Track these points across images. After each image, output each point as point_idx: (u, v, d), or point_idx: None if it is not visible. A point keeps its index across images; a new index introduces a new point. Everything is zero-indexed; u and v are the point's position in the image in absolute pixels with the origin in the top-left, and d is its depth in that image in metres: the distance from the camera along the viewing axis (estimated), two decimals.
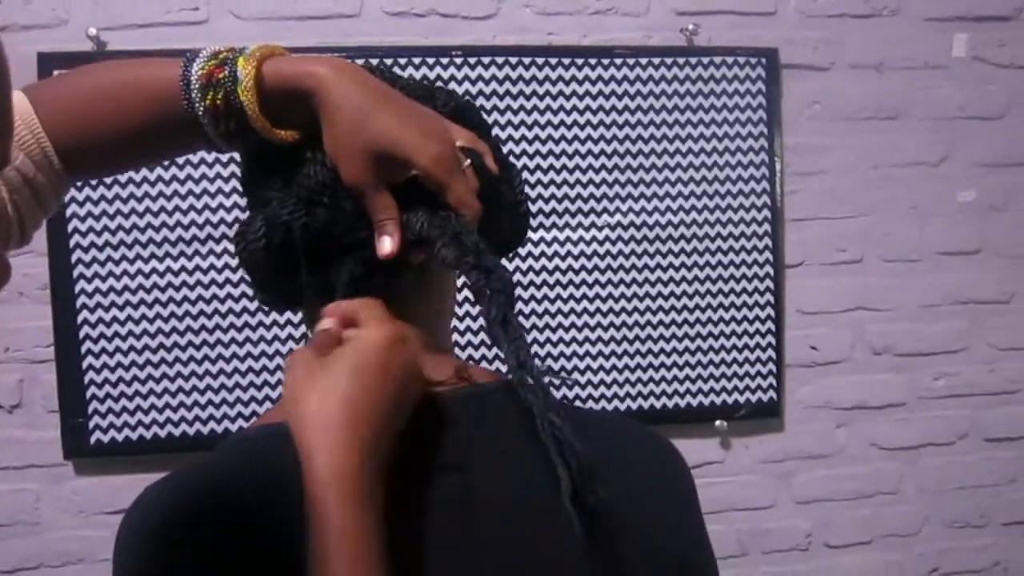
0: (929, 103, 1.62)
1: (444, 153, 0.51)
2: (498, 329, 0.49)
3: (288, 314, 1.43)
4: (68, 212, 1.38)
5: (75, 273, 1.39)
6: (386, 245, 0.52)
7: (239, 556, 0.47)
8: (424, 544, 0.48)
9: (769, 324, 1.56)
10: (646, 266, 1.52)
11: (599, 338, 1.52)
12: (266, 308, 1.42)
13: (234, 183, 1.41)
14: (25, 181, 0.53)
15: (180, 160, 1.40)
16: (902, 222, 1.62)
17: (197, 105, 0.51)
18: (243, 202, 1.41)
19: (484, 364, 1.47)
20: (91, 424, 1.40)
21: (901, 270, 1.63)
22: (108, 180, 1.39)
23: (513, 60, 1.47)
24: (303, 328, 1.44)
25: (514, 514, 0.51)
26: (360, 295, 0.53)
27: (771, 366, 1.57)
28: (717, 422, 1.56)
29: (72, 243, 1.39)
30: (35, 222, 0.57)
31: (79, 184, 1.38)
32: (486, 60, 1.47)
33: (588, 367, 1.52)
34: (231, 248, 1.41)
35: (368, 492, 0.44)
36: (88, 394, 1.40)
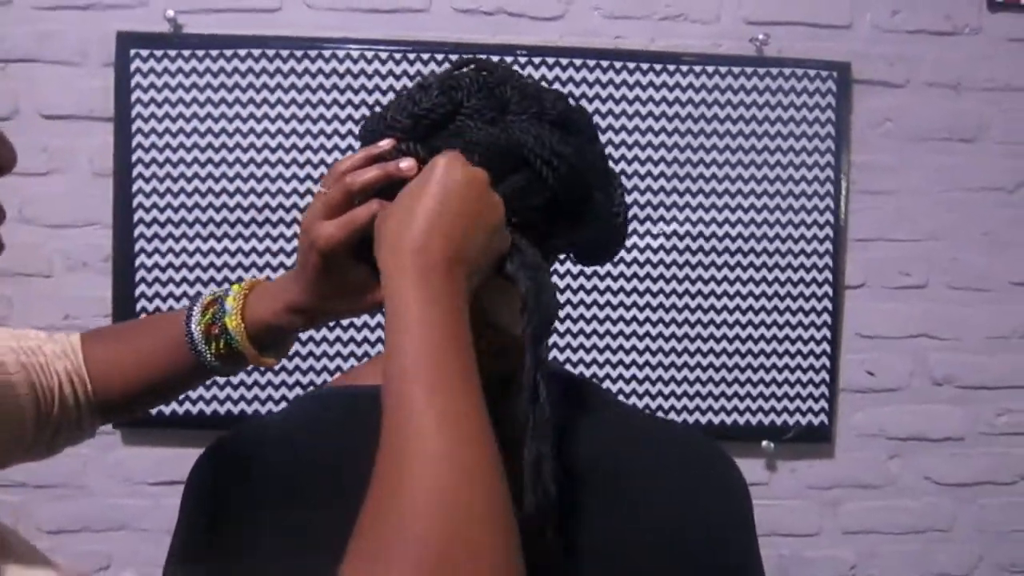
0: (1008, 126, 1.55)
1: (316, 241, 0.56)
2: (530, 344, 0.48)
3: None
4: (135, 187, 1.42)
5: (136, 247, 1.42)
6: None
7: (284, 509, 0.48)
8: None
9: (825, 345, 1.52)
10: (700, 278, 1.49)
11: (647, 348, 1.49)
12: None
13: (295, 169, 1.43)
14: (65, 412, 0.63)
15: (244, 143, 1.43)
16: (972, 249, 1.56)
17: (205, 355, 0.62)
18: (302, 187, 1.43)
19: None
20: None
21: (968, 299, 1.56)
22: (174, 159, 1.42)
23: (578, 62, 1.46)
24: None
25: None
26: None
27: (824, 389, 1.52)
28: (764, 442, 1.52)
29: (136, 218, 1.42)
30: (60, 447, 0.66)
31: (146, 160, 1.42)
32: (551, 61, 1.46)
33: (634, 377, 1.49)
34: (287, 232, 1.43)
35: (454, 296, 0.43)
36: None
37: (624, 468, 0.52)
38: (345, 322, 1.46)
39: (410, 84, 1.43)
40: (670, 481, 0.53)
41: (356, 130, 1.44)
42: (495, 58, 1.50)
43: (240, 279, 1.43)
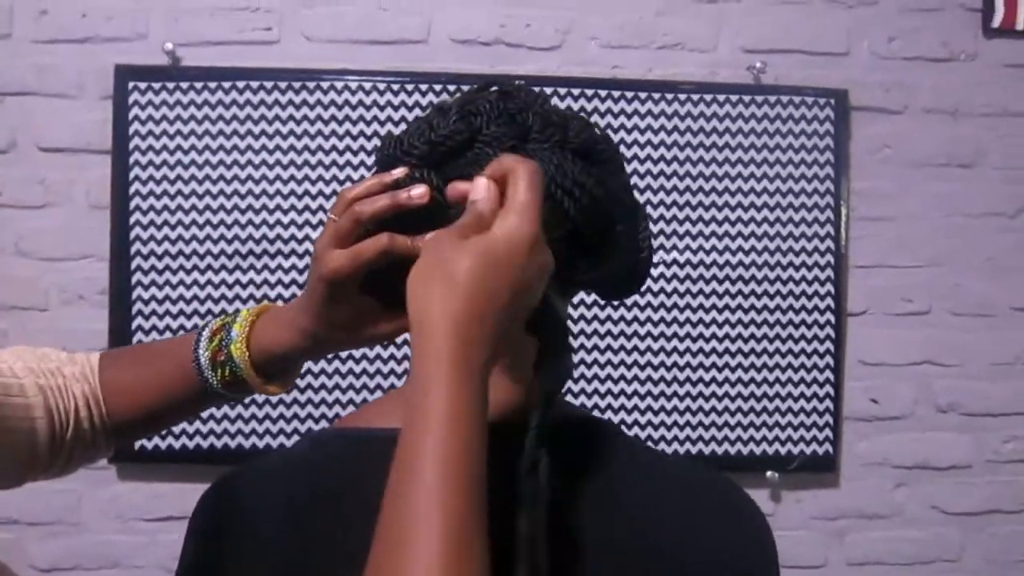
0: (1007, 152, 1.55)
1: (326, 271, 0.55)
2: (540, 404, 0.47)
3: None
4: (132, 220, 1.41)
5: (133, 280, 1.42)
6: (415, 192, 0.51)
7: (286, 555, 0.47)
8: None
9: (828, 373, 1.50)
10: (701, 306, 1.48)
11: (649, 378, 1.48)
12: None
13: (293, 201, 1.43)
14: (79, 434, 0.63)
15: (242, 175, 1.42)
16: (974, 275, 1.55)
17: (212, 382, 0.61)
18: (300, 219, 1.43)
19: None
20: None
21: (972, 325, 1.55)
22: (172, 191, 1.42)
23: (576, 92, 1.47)
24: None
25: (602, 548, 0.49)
26: None
27: (828, 418, 1.50)
28: (768, 473, 1.50)
29: (133, 251, 1.41)
30: (74, 467, 0.65)
31: (144, 193, 1.41)
32: (549, 91, 1.46)
33: (636, 407, 1.47)
34: (284, 264, 1.42)
35: (480, 381, 0.42)
36: None
37: (647, 527, 0.51)
38: (344, 354, 1.44)
39: (408, 115, 1.44)
40: (682, 517, 0.52)
41: (355, 161, 1.44)
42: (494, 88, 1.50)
43: (237, 311, 1.41)
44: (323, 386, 1.44)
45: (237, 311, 0.62)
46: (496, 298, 0.43)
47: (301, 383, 1.43)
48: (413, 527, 0.37)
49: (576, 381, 1.47)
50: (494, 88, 0.54)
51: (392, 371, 1.45)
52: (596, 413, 1.46)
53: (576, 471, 0.52)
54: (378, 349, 1.44)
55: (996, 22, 1.53)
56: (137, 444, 1.41)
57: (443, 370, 0.40)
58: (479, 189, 0.46)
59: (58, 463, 0.63)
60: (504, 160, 0.47)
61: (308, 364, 1.43)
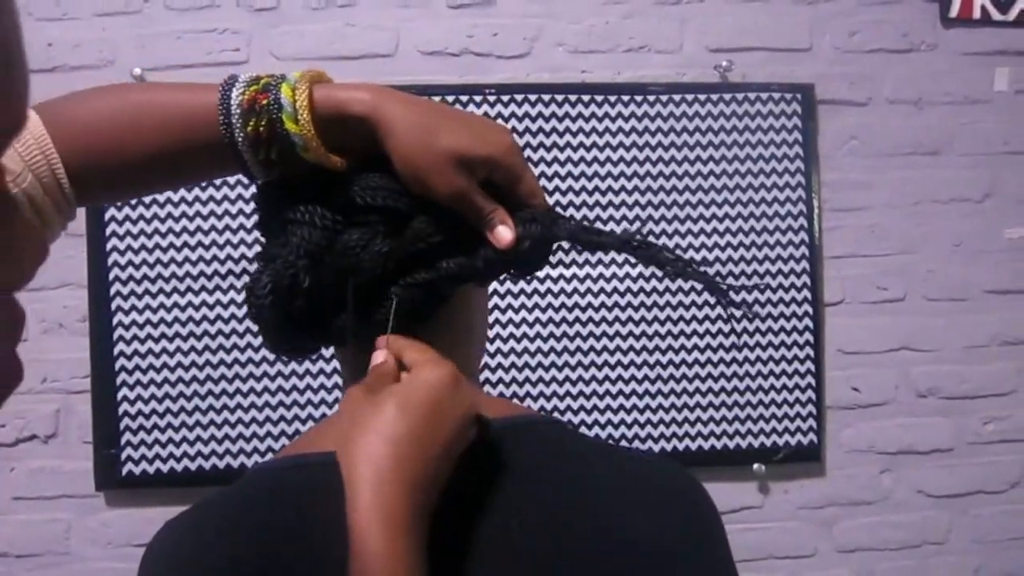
0: (971, 138, 1.58)
1: (514, 144, 0.53)
2: (581, 239, 0.54)
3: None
4: (108, 246, 1.41)
5: (113, 306, 1.41)
6: (506, 234, 0.52)
7: None
8: None
9: (808, 364, 1.52)
10: (680, 303, 1.50)
11: (632, 376, 1.49)
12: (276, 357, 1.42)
13: None
14: (31, 203, 0.50)
15: (218, 196, 1.43)
16: (946, 260, 1.58)
17: (238, 132, 0.50)
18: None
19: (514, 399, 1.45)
20: (123, 456, 1.41)
21: (946, 309, 1.58)
22: (148, 215, 1.42)
23: (546, 98, 1.48)
24: (334, 363, 1.44)
25: (547, 551, 0.49)
26: (394, 330, 0.52)
27: (811, 408, 1.52)
28: (755, 465, 1.51)
29: (111, 276, 1.41)
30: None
31: (119, 218, 1.41)
32: (519, 98, 1.48)
33: (621, 406, 1.49)
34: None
35: (411, 531, 0.42)
36: (121, 426, 1.41)
37: (596, 522, 0.52)
38: (328, 368, 1.45)
39: None
40: (647, 510, 0.52)
41: None
42: (464, 98, 1.51)
43: (220, 332, 1.42)
44: (309, 401, 1.44)
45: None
46: (422, 440, 0.44)
47: (287, 399, 1.43)
48: None
49: (561, 383, 1.48)
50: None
51: None
52: (580, 411, 1.47)
53: (524, 471, 0.52)
54: None
55: (953, 12, 1.56)
56: (124, 470, 1.40)
57: (368, 527, 0.41)
58: (378, 356, 0.50)
59: None
60: (394, 341, 0.51)
61: (294, 379, 1.44)
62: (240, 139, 0.50)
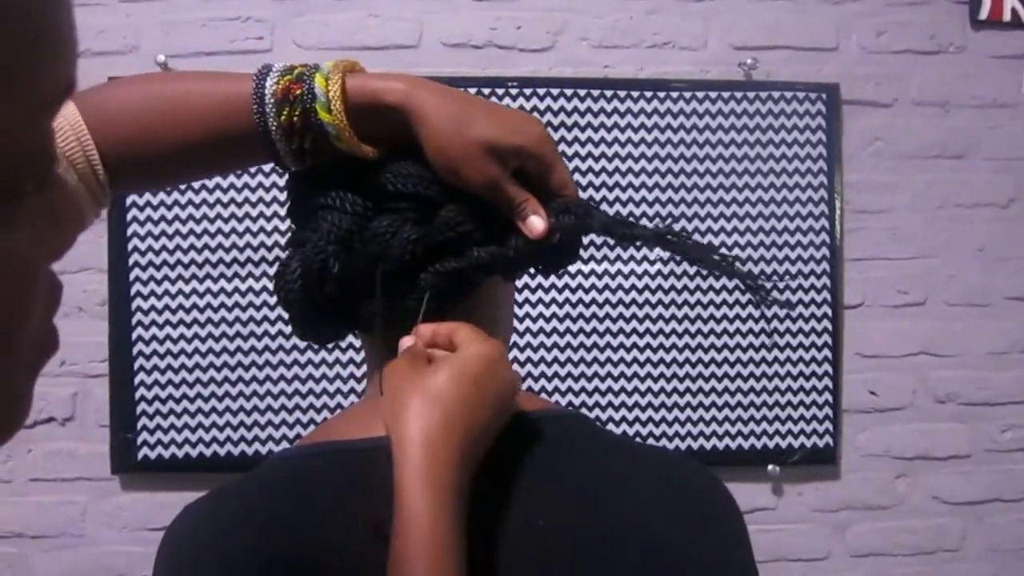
0: (997, 142, 1.56)
1: (546, 135, 0.53)
2: (614, 231, 0.53)
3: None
4: (129, 232, 1.42)
5: (133, 291, 1.42)
6: (538, 224, 0.52)
7: None
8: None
9: (826, 367, 1.51)
10: (699, 302, 1.49)
11: (648, 374, 1.48)
12: (304, 344, 1.43)
13: None
14: (62, 191, 0.49)
15: (239, 183, 1.43)
16: (968, 265, 1.56)
17: (271, 121, 0.50)
18: None
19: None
20: (139, 440, 1.42)
21: (967, 315, 1.56)
22: (168, 201, 1.42)
23: (569, 92, 1.47)
24: (351, 353, 1.45)
25: (568, 545, 0.49)
26: (420, 319, 0.53)
27: (828, 410, 1.51)
28: (770, 467, 1.50)
29: (131, 261, 1.42)
30: (68, 234, 0.55)
31: (140, 204, 1.42)
32: (541, 92, 1.47)
33: (636, 404, 1.48)
34: None
35: (457, 494, 0.44)
36: (138, 410, 1.42)
37: (620, 520, 0.51)
38: (344, 358, 1.45)
39: None
40: (668, 507, 0.52)
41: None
42: (486, 90, 1.51)
43: (238, 319, 1.42)
44: (324, 391, 1.44)
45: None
46: (471, 410, 0.46)
47: (302, 388, 1.44)
48: None
49: (577, 379, 1.47)
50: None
51: None
52: (596, 408, 1.47)
53: (549, 464, 0.52)
54: None
55: (983, 14, 1.54)
56: (140, 454, 1.41)
57: (416, 486, 0.43)
58: (406, 340, 0.51)
59: None
60: (437, 326, 0.52)
61: (310, 368, 1.44)
62: (273, 128, 0.50)
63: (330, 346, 1.44)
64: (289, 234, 0.57)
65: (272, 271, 1.43)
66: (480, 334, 0.50)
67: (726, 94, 1.50)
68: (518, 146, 0.51)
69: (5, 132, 0.22)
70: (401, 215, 0.52)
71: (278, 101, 0.50)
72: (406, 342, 0.51)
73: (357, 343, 1.44)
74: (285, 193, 0.58)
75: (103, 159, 0.51)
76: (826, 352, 1.51)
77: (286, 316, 0.57)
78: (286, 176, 0.58)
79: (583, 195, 1.47)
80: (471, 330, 0.50)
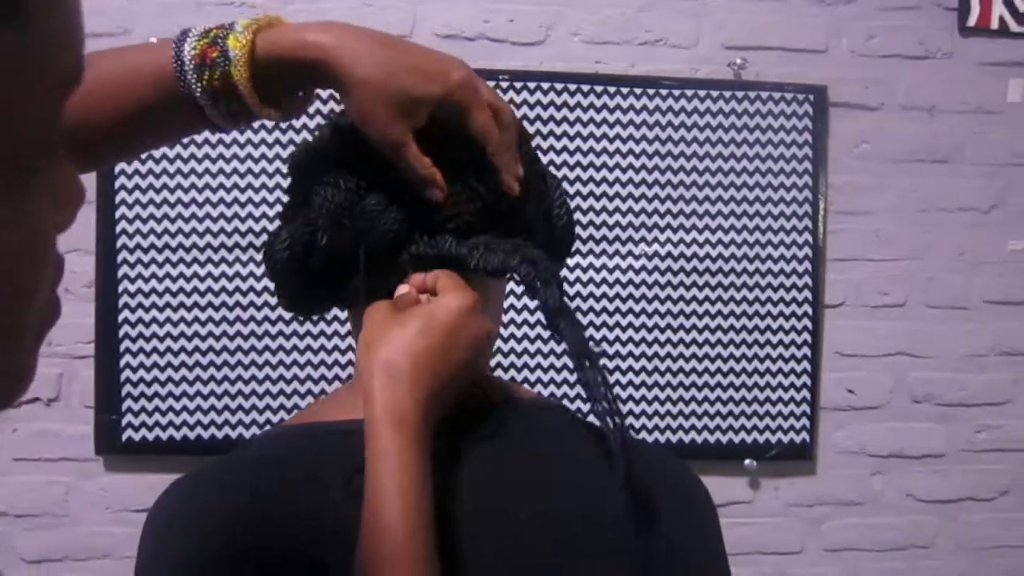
0: (982, 148, 1.58)
1: (464, 78, 0.50)
2: (557, 317, 0.51)
3: (323, 323, 1.45)
4: (117, 213, 1.42)
5: (119, 273, 1.42)
6: (437, 194, 0.52)
7: (260, 555, 0.47)
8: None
9: (805, 364, 1.53)
10: (682, 298, 1.51)
11: (630, 368, 1.50)
12: (288, 314, 1.44)
13: (279, 193, 1.44)
14: None
15: (228, 168, 1.43)
16: (949, 268, 1.58)
17: (194, 86, 0.50)
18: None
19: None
20: (124, 421, 1.43)
21: (946, 317, 1.58)
22: (157, 184, 1.42)
23: (559, 86, 1.48)
24: (336, 340, 1.46)
25: (547, 533, 0.50)
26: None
27: (805, 407, 1.54)
28: (747, 461, 1.53)
29: (119, 244, 1.42)
30: None
31: (129, 186, 1.42)
32: (532, 85, 1.48)
33: (617, 397, 1.49)
34: None
35: (420, 437, 0.46)
36: (123, 392, 1.42)
37: (592, 502, 0.53)
38: (330, 344, 1.46)
39: None
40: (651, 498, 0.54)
41: None
42: None
43: (224, 303, 1.43)
44: (309, 377, 1.46)
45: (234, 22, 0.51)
46: (439, 356, 0.48)
47: (287, 372, 1.45)
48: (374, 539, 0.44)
49: (560, 370, 1.49)
50: None
51: None
52: (577, 400, 1.48)
53: (526, 449, 0.54)
54: None
55: (971, 21, 1.56)
56: (124, 436, 1.42)
57: (384, 422, 0.45)
58: (402, 288, 0.52)
59: None
60: (424, 275, 0.53)
61: (295, 354, 1.45)
62: (199, 94, 0.50)
63: (315, 331, 1.45)
64: (282, 208, 0.58)
65: (259, 256, 1.43)
66: (458, 283, 0.51)
67: (715, 93, 1.51)
68: (424, 93, 0.49)
69: (27, 112, 0.23)
70: (390, 196, 0.53)
71: (197, 66, 0.50)
72: (401, 289, 0.52)
73: (345, 322, 1.45)
74: (287, 169, 0.60)
75: None
76: (805, 350, 1.53)
77: (272, 287, 0.58)
78: (285, 162, 0.59)
79: (571, 190, 1.49)
80: (450, 278, 0.52)
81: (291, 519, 0.47)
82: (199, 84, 0.50)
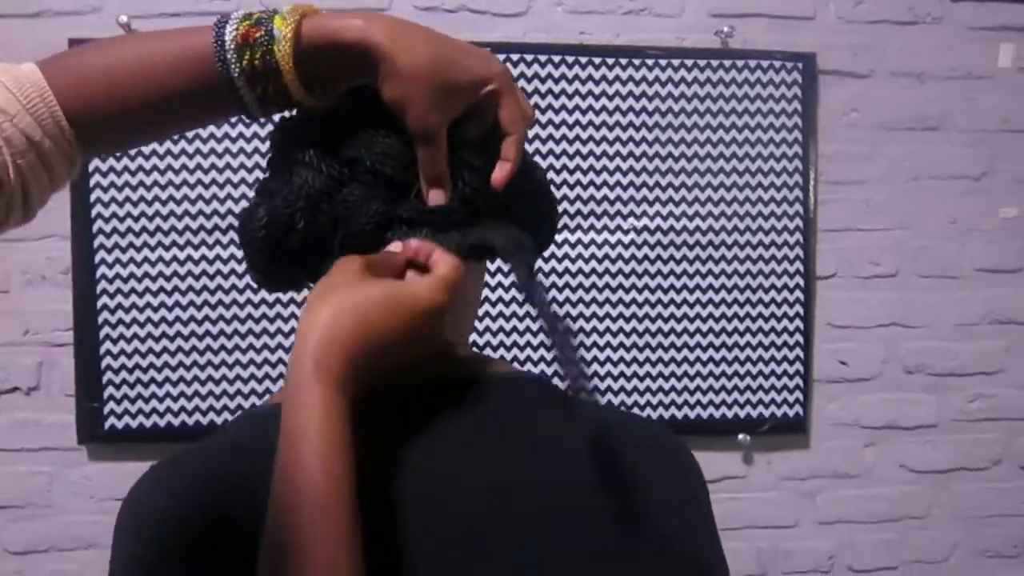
0: (972, 114, 1.56)
1: (502, 71, 0.53)
2: (529, 289, 0.52)
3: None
4: (92, 197, 1.39)
5: (97, 258, 1.39)
6: (439, 198, 0.53)
7: (231, 544, 0.45)
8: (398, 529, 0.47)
9: (798, 336, 1.52)
10: (672, 272, 1.49)
11: (620, 344, 1.48)
12: (258, 287, 1.42)
13: (257, 174, 1.41)
14: (31, 144, 0.50)
15: (205, 149, 1.40)
16: (940, 237, 1.57)
17: (233, 67, 0.50)
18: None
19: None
20: (106, 409, 1.40)
21: (938, 286, 1.57)
22: (132, 167, 1.39)
23: (543, 58, 1.45)
24: None
25: (515, 506, 0.49)
26: None
27: (798, 380, 1.52)
28: (740, 436, 1.51)
29: (95, 228, 1.39)
30: (41, 192, 0.54)
31: (103, 169, 1.38)
32: (515, 58, 1.45)
33: (608, 373, 1.48)
34: None
35: (344, 398, 0.44)
36: (104, 379, 1.40)
37: (572, 471, 0.51)
38: None
39: None
40: (632, 467, 0.53)
41: None
42: None
43: (205, 287, 1.40)
44: (281, 373, 1.43)
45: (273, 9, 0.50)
46: (381, 334, 0.46)
47: (272, 357, 1.42)
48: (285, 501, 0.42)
49: (549, 348, 1.47)
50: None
51: None
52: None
53: (506, 422, 0.52)
54: None
55: None
56: (107, 424, 1.39)
57: (312, 380, 0.43)
58: (395, 245, 0.51)
59: (14, 209, 0.52)
60: (426, 243, 0.52)
61: (279, 337, 1.42)
62: (236, 74, 0.50)
63: (297, 314, 1.42)
64: (259, 181, 0.57)
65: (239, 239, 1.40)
66: (450, 280, 0.50)
67: (702, 62, 1.48)
68: (470, 81, 0.51)
69: None
70: (372, 189, 0.53)
71: (239, 46, 0.50)
72: (394, 246, 0.52)
73: None
74: (268, 142, 0.59)
75: (70, 121, 0.51)
76: (798, 322, 1.52)
77: (243, 257, 0.58)
78: (266, 129, 0.59)
79: (557, 164, 1.46)
80: (449, 270, 0.50)
81: (258, 504, 0.46)
82: (239, 64, 0.49)
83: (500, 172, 0.53)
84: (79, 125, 0.51)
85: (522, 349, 1.47)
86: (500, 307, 1.47)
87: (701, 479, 0.56)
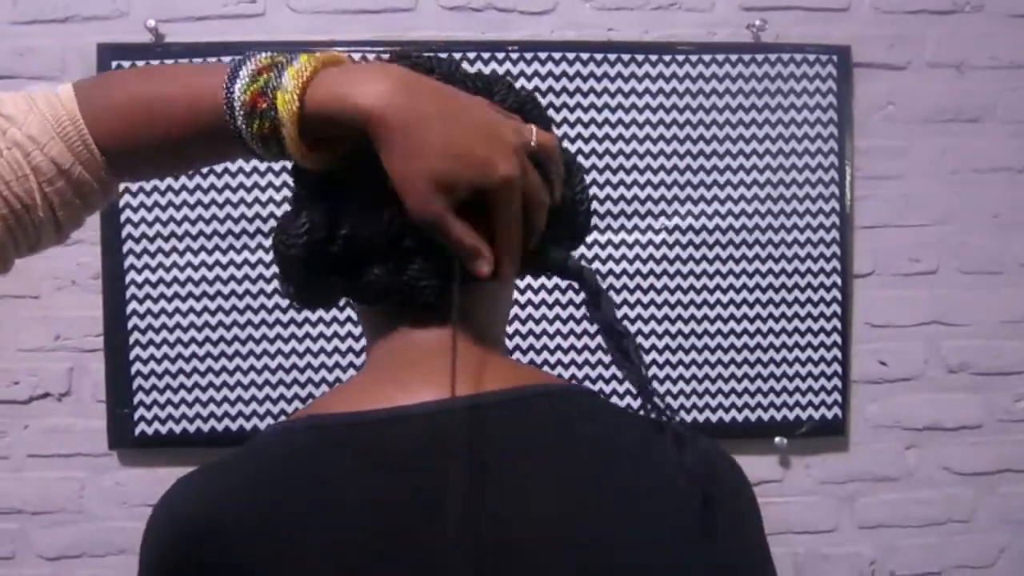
0: (1015, 105, 1.51)
1: (509, 177, 0.48)
2: (597, 298, 0.52)
3: (336, 311, 1.41)
4: (121, 203, 1.39)
5: (126, 264, 1.39)
6: (483, 267, 0.50)
7: (258, 558, 0.45)
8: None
9: (835, 336, 1.48)
10: (705, 272, 1.46)
11: (653, 346, 1.45)
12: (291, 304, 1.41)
13: (284, 177, 1.40)
14: (60, 172, 0.51)
15: None
16: (982, 232, 1.52)
17: (244, 131, 0.50)
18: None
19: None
20: (136, 415, 1.40)
21: (980, 283, 1.52)
22: None
23: (571, 56, 1.43)
24: (348, 327, 1.42)
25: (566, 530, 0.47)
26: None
27: (836, 381, 1.48)
28: (777, 439, 1.48)
29: (124, 234, 1.39)
30: (74, 217, 0.54)
31: None
32: (543, 56, 1.42)
33: (651, 379, 1.45)
34: None
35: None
36: (135, 385, 1.39)
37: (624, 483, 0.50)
38: (343, 332, 1.42)
39: None
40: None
41: None
42: (485, 55, 1.47)
43: (234, 292, 1.39)
44: (323, 365, 1.42)
45: (294, 54, 0.50)
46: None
47: (300, 362, 1.41)
48: None
49: (580, 351, 1.45)
50: (412, 58, 0.54)
51: None
52: (599, 380, 1.44)
53: (555, 436, 0.50)
54: None
55: None
56: (137, 430, 1.39)
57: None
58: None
59: (45, 234, 0.53)
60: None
61: (308, 342, 1.41)
62: (248, 137, 0.50)
63: (328, 319, 1.41)
64: (292, 193, 0.56)
65: (267, 243, 1.40)
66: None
67: (734, 57, 1.45)
68: (469, 182, 0.48)
69: None
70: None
71: (247, 113, 0.49)
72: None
73: (354, 319, 1.42)
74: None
75: (100, 148, 0.52)
76: (835, 322, 1.48)
77: (279, 272, 0.55)
78: None
79: (587, 163, 1.44)
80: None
81: (300, 522, 0.45)
82: (249, 130, 0.49)
83: (480, 272, 0.50)
84: (107, 155, 0.52)
85: (524, 352, 1.45)
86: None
87: (756, 501, 0.55)
